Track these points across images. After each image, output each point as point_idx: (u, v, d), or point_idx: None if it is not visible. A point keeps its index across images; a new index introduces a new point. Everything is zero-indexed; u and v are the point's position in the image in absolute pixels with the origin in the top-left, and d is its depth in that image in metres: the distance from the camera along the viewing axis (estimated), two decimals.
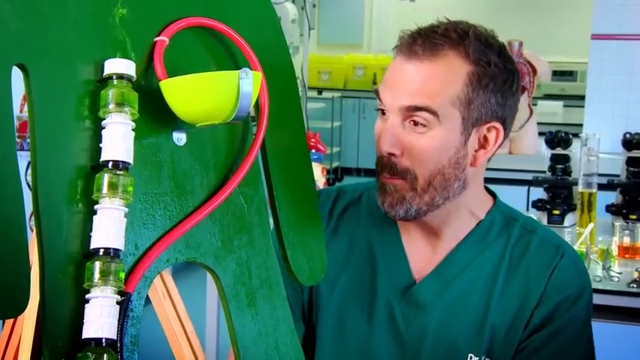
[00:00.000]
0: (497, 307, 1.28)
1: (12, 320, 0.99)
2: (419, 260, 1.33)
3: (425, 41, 1.21)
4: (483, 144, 1.26)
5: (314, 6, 5.64)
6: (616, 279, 2.40)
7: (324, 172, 3.30)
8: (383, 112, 1.24)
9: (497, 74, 1.23)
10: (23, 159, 1.12)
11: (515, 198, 3.99)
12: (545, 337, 1.28)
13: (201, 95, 0.91)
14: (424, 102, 1.19)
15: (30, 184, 0.85)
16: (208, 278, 2.95)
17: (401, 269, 1.33)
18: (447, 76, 1.20)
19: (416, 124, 1.20)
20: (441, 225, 1.31)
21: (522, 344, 1.29)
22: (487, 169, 3.99)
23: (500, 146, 1.28)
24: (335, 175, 7.96)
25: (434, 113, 1.19)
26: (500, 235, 1.32)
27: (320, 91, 8.02)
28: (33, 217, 0.84)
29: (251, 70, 0.92)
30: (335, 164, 7.89)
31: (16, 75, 0.84)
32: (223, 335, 2.97)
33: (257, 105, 1.03)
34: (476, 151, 1.26)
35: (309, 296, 1.34)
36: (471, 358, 1.28)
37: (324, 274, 1.14)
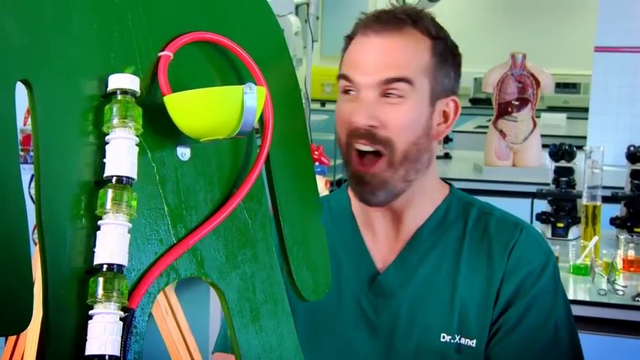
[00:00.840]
0: (463, 287, 1.32)
1: (14, 336, 0.98)
2: (383, 250, 1.37)
3: (390, 18, 1.29)
4: (445, 118, 1.34)
5: (317, 18, 5.66)
6: (621, 292, 2.39)
7: (328, 185, 3.30)
8: (346, 92, 1.27)
9: (452, 50, 1.33)
10: (26, 172, 1.12)
11: (519, 210, 3.97)
12: (519, 312, 1.31)
13: (205, 110, 0.91)
14: (399, 72, 1.26)
15: (33, 197, 0.85)
16: (212, 293, 2.94)
17: (363, 262, 1.37)
18: (414, 48, 1.28)
19: (390, 96, 1.26)
20: (404, 208, 1.35)
21: (496, 324, 1.32)
22: (490, 181, 4.01)
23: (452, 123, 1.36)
24: (338, 187, 7.94)
25: (409, 82, 1.26)
26: (457, 218, 1.37)
27: (323, 103, 8.00)
28: (36, 232, 0.84)
29: (255, 84, 0.92)
30: (338, 176, 7.88)
31: (20, 87, 0.83)
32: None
33: (261, 119, 1.03)
34: (438, 124, 1.32)
35: None
36: (443, 337, 1.31)
37: (329, 290, 1.13)
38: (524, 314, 1.31)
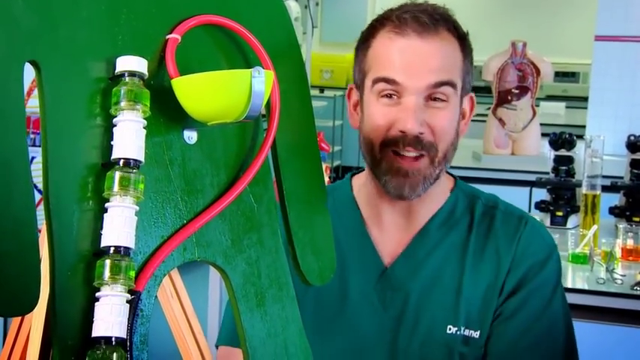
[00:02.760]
0: (470, 280, 1.33)
1: (19, 317, 0.98)
2: (389, 245, 1.38)
3: (426, 19, 1.28)
4: (464, 114, 1.36)
5: (317, 4, 5.65)
6: (619, 281, 2.40)
7: (328, 171, 3.30)
8: (389, 96, 1.26)
9: (471, 48, 1.34)
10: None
11: (518, 199, 3.98)
12: (519, 301, 1.33)
13: (213, 94, 0.91)
14: (447, 76, 1.27)
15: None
16: (211, 277, 2.94)
17: (369, 256, 1.37)
18: (452, 49, 1.29)
19: (435, 100, 1.27)
20: (418, 202, 1.35)
21: (498, 310, 1.33)
22: (490, 169, 4.00)
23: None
24: (336, 173, 7.96)
25: (454, 86, 1.28)
26: (465, 212, 1.38)
27: (322, 89, 8.00)
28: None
29: (263, 68, 0.91)
30: (336, 163, 7.88)
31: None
32: None
33: (268, 103, 1.03)
34: (459, 122, 1.34)
35: None
36: (450, 329, 1.32)
37: (334, 274, 1.13)
38: (523, 304, 1.33)
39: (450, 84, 1.27)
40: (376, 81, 1.27)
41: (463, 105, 1.34)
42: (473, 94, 1.37)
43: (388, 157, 1.28)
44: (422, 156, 1.28)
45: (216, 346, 1.41)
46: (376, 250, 1.37)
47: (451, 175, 1.44)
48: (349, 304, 1.35)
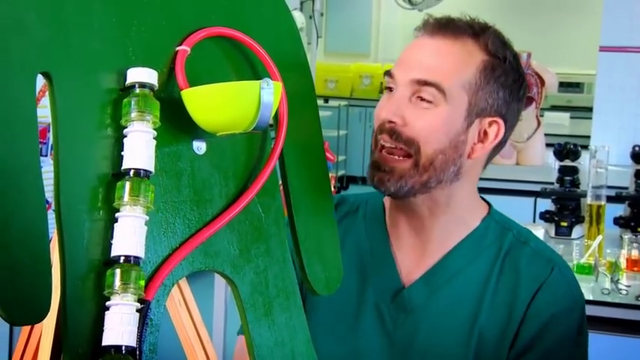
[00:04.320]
0: (486, 314, 1.28)
1: (29, 326, 0.99)
2: (408, 264, 1.34)
3: (449, 24, 1.26)
4: (483, 138, 1.28)
5: (322, 14, 5.66)
6: (624, 292, 2.40)
7: (333, 181, 3.30)
8: (390, 90, 1.26)
9: (509, 71, 1.27)
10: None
11: (523, 209, 4.00)
12: (538, 356, 1.27)
13: (222, 105, 0.92)
14: (435, 78, 1.22)
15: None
16: (216, 285, 2.95)
17: (390, 273, 1.34)
18: (462, 58, 1.24)
19: (422, 99, 1.23)
20: (430, 216, 1.31)
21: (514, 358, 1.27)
22: (494, 179, 4.00)
23: (497, 147, 1.30)
24: (341, 183, 7.96)
25: (441, 91, 1.22)
26: (493, 243, 1.32)
27: (327, 99, 8.02)
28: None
29: (271, 80, 0.92)
30: (341, 172, 7.89)
31: None
32: (230, 343, 2.97)
33: (276, 114, 1.04)
34: (475, 143, 1.27)
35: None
36: None
37: (340, 284, 1.14)
38: (543, 357, 1.27)
39: (437, 87, 1.21)
40: (384, 75, 1.29)
41: (478, 125, 1.26)
42: (500, 120, 1.27)
43: (376, 150, 1.26)
44: (406, 157, 1.24)
45: (238, 334, 1.40)
46: (396, 268, 1.34)
47: (486, 202, 1.38)
48: (363, 316, 1.33)
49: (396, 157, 1.24)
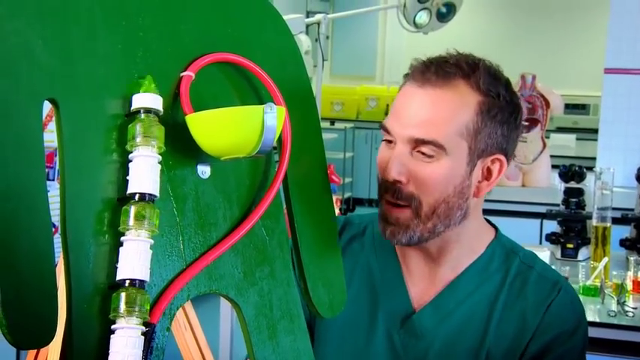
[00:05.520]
0: (494, 337, 1.30)
1: (35, 350, 1.00)
2: (418, 290, 1.35)
3: (438, 69, 1.23)
4: (487, 175, 1.28)
5: (327, 37, 5.68)
6: (631, 314, 2.40)
7: (338, 203, 3.31)
8: (389, 141, 1.26)
9: (504, 106, 1.25)
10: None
11: (529, 231, 4.00)
12: None
13: (226, 129, 0.93)
14: (431, 135, 1.20)
15: None
16: (222, 308, 2.95)
17: (400, 298, 1.35)
18: (457, 105, 1.22)
19: (423, 153, 1.22)
20: (440, 253, 1.32)
21: None
22: (500, 201, 4.00)
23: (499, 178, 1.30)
24: (347, 205, 7.96)
25: (440, 146, 1.21)
26: (499, 268, 1.34)
27: (333, 121, 8.04)
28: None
29: (275, 104, 0.93)
30: (347, 195, 7.90)
31: None
32: None
33: (279, 138, 1.05)
34: (479, 182, 1.27)
35: (309, 316, 1.34)
36: None
37: (344, 307, 1.14)
38: None
39: (435, 144, 1.20)
40: (380, 128, 1.28)
41: (481, 165, 1.25)
42: (502, 157, 1.26)
43: (382, 201, 1.27)
44: (406, 207, 1.24)
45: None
46: (407, 293, 1.35)
47: (493, 226, 1.39)
48: (373, 340, 1.33)
49: (399, 207, 1.24)
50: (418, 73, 1.24)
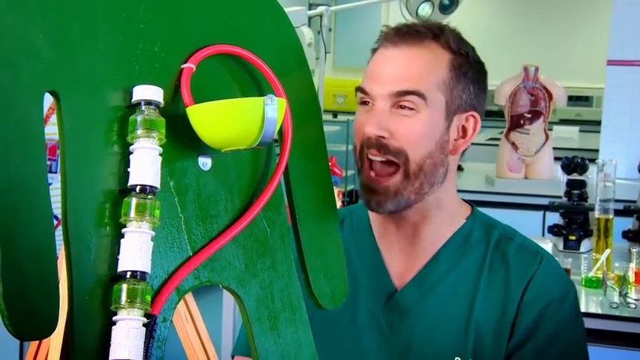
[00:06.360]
0: (480, 310, 1.31)
1: (37, 341, 1.00)
2: (399, 267, 1.37)
3: (410, 31, 1.29)
4: (463, 133, 1.32)
5: (330, 30, 5.67)
6: (633, 306, 2.40)
7: (340, 196, 3.31)
8: (365, 103, 1.28)
9: (474, 65, 1.32)
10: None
11: (531, 223, 4.00)
12: (538, 346, 1.30)
13: (227, 121, 0.93)
14: (412, 85, 1.25)
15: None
16: (224, 300, 2.96)
17: (380, 277, 1.37)
18: (430, 61, 1.28)
19: (403, 107, 1.25)
20: (421, 221, 1.34)
21: (513, 349, 1.30)
22: (503, 193, 4.00)
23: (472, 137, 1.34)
24: (350, 197, 7.96)
25: (422, 96, 1.25)
26: (479, 241, 1.36)
27: (335, 114, 8.03)
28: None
29: (275, 96, 0.94)
30: (350, 187, 7.89)
31: None
32: None
33: (280, 130, 1.05)
34: (455, 139, 1.32)
35: None
36: (457, 359, 1.30)
37: (346, 298, 1.15)
38: (546, 347, 1.29)
39: (417, 94, 1.25)
40: (356, 90, 1.31)
41: (456, 122, 1.30)
42: (475, 113, 1.32)
43: (364, 169, 1.29)
44: (395, 168, 1.26)
45: (232, 357, 1.41)
46: (387, 272, 1.37)
47: (469, 203, 1.42)
48: (358, 324, 1.35)
49: (387, 174, 1.27)
50: (392, 36, 1.30)
